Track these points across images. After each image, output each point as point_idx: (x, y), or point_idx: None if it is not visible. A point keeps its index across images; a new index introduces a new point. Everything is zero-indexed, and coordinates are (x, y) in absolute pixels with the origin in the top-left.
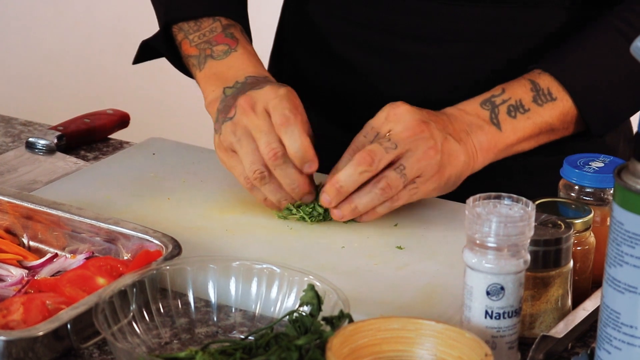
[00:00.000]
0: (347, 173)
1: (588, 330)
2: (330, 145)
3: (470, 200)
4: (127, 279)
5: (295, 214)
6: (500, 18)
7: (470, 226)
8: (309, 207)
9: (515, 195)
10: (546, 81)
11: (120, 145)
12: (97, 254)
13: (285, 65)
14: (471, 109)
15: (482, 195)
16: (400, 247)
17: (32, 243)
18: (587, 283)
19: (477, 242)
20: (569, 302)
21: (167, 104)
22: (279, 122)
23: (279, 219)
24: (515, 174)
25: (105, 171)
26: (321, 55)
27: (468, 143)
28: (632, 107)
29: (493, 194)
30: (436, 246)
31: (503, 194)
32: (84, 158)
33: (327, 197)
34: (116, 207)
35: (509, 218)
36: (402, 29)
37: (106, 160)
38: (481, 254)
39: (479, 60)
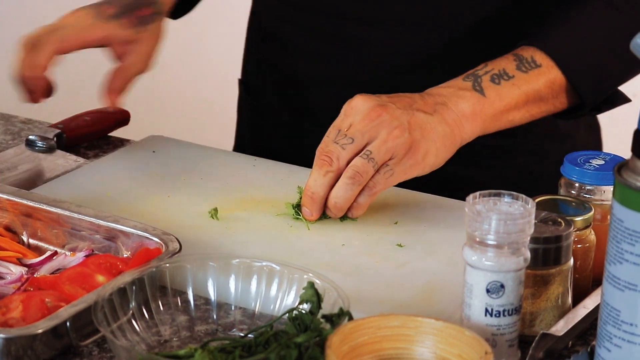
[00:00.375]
0: (313, 178)
1: (588, 328)
2: (291, 132)
3: (470, 197)
4: (126, 277)
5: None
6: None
7: (470, 224)
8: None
9: (515, 193)
10: (529, 51)
11: (121, 143)
12: (97, 252)
13: (257, 49)
14: (452, 83)
15: (482, 192)
16: (400, 245)
17: (31, 241)
18: (588, 281)
19: (477, 239)
20: (569, 300)
21: (168, 102)
22: None
23: (277, 216)
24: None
25: (106, 169)
26: (276, 41)
27: (445, 112)
28: (621, 73)
29: (493, 191)
30: (437, 244)
31: (503, 191)
32: (84, 156)
33: (306, 210)
34: (116, 204)
35: (509, 215)
36: (345, 12)
37: (106, 158)
38: (481, 251)
39: (423, 42)
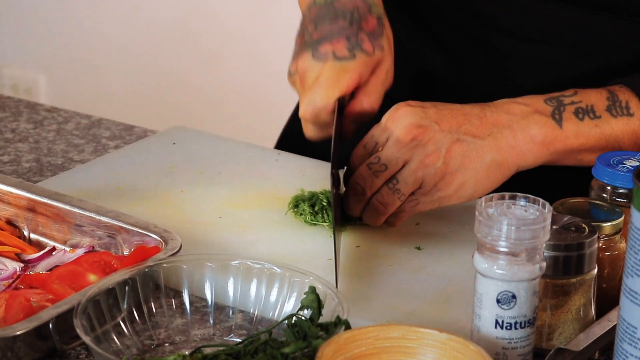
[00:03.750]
0: (350, 202)
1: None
2: None
3: (482, 200)
4: (116, 277)
5: (316, 221)
6: (597, 26)
7: (480, 228)
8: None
9: (531, 196)
10: (626, 95)
11: (144, 134)
12: (98, 249)
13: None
14: (529, 101)
15: (496, 194)
16: (419, 248)
17: (33, 235)
18: (617, 291)
19: (488, 245)
20: (592, 312)
21: (219, 96)
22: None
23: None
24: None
25: (121, 161)
26: (419, 33)
27: (501, 137)
28: None
29: (508, 193)
30: (458, 248)
31: (518, 194)
32: (105, 147)
33: None
34: (125, 199)
35: (522, 220)
36: (499, 22)
37: (123, 149)
38: (492, 259)
39: (562, 65)
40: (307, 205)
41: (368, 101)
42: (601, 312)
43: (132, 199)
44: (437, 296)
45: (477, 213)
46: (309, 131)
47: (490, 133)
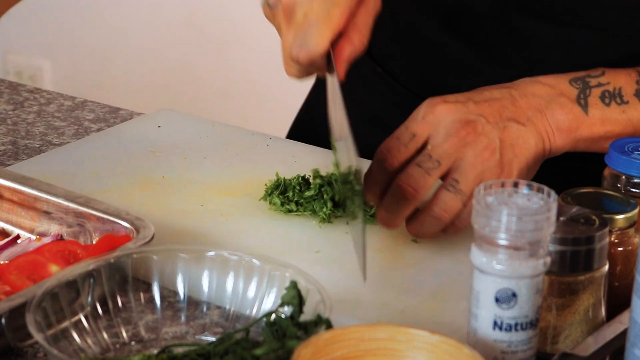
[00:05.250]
0: (388, 207)
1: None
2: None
3: (480, 187)
4: (78, 268)
5: (300, 211)
6: (628, 5)
7: (478, 219)
8: (318, 203)
9: (535, 183)
10: None
11: (130, 116)
12: (68, 237)
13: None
14: (555, 82)
15: (496, 181)
16: (415, 241)
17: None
18: (629, 290)
19: (486, 238)
20: (603, 312)
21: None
22: None
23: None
24: None
25: (100, 144)
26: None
27: (539, 122)
28: None
29: (509, 180)
30: (458, 241)
31: (521, 180)
32: (87, 130)
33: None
34: (101, 184)
35: (524, 210)
36: (524, 2)
37: (104, 132)
38: (491, 253)
39: (596, 50)
40: (277, 196)
41: (359, 38)
42: (612, 313)
43: (109, 185)
44: (433, 293)
45: (474, 201)
46: (294, 70)
47: (528, 118)
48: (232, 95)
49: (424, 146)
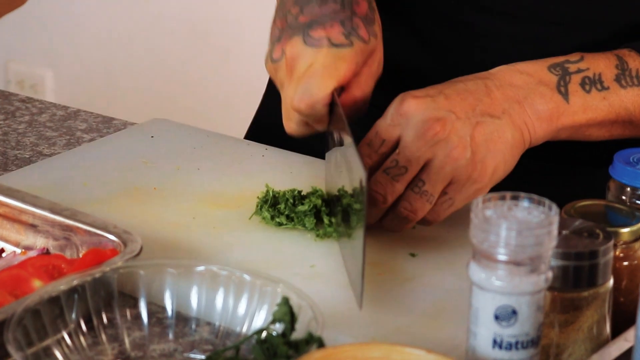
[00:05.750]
0: (367, 212)
1: None
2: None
3: (479, 200)
4: (62, 284)
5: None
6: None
7: (476, 233)
8: (308, 217)
9: (536, 196)
10: (636, 62)
11: (124, 126)
12: (54, 251)
13: None
14: (533, 70)
15: (495, 194)
16: (413, 255)
17: None
18: (635, 306)
19: (485, 253)
20: (607, 329)
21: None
22: None
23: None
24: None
25: (91, 155)
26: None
27: (515, 114)
28: None
29: (509, 193)
30: (457, 255)
31: (521, 193)
32: (80, 140)
33: None
34: (90, 196)
35: (524, 224)
36: (494, 5)
37: (95, 142)
38: (490, 268)
39: (556, 44)
40: (266, 210)
41: (361, 94)
42: (617, 330)
43: (98, 196)
44: (431, 310)
45: (472, 215)
46: (294, 125)
47: (504, 110)
48: (235, 106)
49: (396, 147)
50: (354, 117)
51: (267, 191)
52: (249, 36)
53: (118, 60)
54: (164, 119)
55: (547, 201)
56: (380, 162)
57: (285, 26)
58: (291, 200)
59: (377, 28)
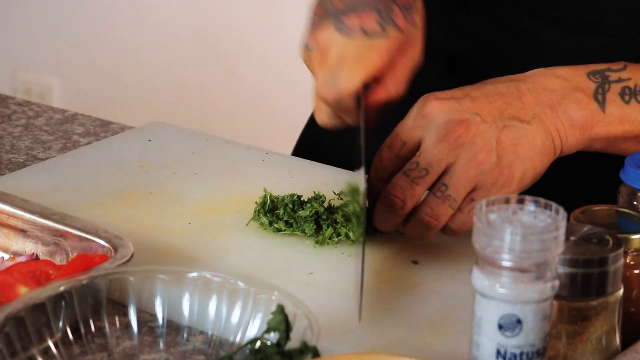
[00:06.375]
0: (382, 217)
1: None
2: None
3: (482, 203)
4: (47, 290)
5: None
6: None
7: (479, 237)
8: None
9: (543, 200)
10: None
11: (122, 130)
12: (43, 257)
13: None
14: (571, 75)
15: (500, 197)
16: (415, 262)
17: None
18: None
19: (488, 259)
20: (617, 341)
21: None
22: None
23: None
24: None
25: (87, 159)
26: (442, 18)
27: (547, 119)
28: None
29: (514, 196)
30: (461, 262)
31: (527, 197)
32: (76, 144)
33: None
34: (84, 200)
35: (529, 228)
36: (533, 6)
37: (92, 146)
38: (493, 275)
39: (612, 56)
40: (264, 216)
41: (395, 87)
42: (627, 341)
43: (92, 201)
44: (433, 319)
45: (475, 219)
46: (324, 116)
47: (535, 115)
48: (240, 112)
49: (417, 150)
50: (389, 109)
51: (265, 196)
52: (255, 43)
53: (125, 67)
54: (162, 122)
55: (554, 205)
56: (401, 165)
57: (323, 12)
58: (290, 206)
59: (418, 16)
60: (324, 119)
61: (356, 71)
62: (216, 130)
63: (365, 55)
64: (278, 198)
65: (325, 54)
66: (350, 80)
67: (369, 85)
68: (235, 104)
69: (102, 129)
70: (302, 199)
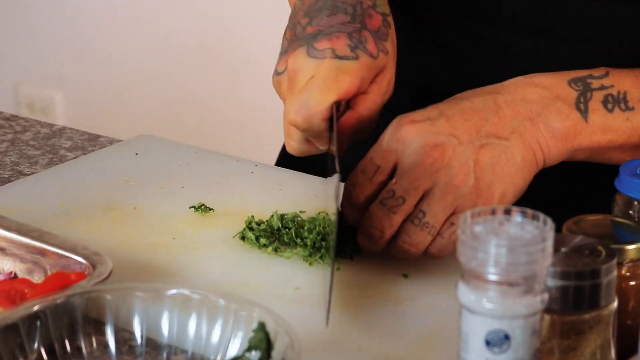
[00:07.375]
0: (366, 246)
1: None
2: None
3: (467, 215)
4: (20, 310)
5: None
6: (620, 17)
7: (464, 250)
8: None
9: (530, 210)
10: None
11: (110, 143)
12: (22, 275)
13: None
14: (551, 84)
15: (485, 208)
16: (405, 275)
17: None
18: None
19: (474, 273)
20: (612, 355)
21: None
22: None
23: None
24: None
25: (71, 174)
26: (412, 30)
27: (527, 132)
28: None
29: (501, 207)
30: (453, 275)
31: (514, 207)
32: (63, 158)
33: None
34: (67, 216)
35: (515, 240)
36: (504, 13)
37: (77, 160)
38: (480, 289)
39: (585, 62)
40: (251, 234)
41: (367, 112)
42: (623, 355)
43: (75, 217)
44: (422, 335)
45: (459, 231)
46: (295, 142)
47: (513, 129)
48: (243, 126)
49: (392, 175)
50: (359, 137)
51: (250, 221)
52: (257, 55)
53: (128, 81)
54: (150, 135)
55: (541, 215)
56: (376, 191)
57: (294, 38)
58: (279, 223)
59: (390, 45)
60: (294, 145)
61: (327, 91)
62: (208, 142)
63: (335, 76)
64: (262, 222)
65: (295, 77)
66: (320, 101)
67: (339, 109)
68: (239, 117)
69: (90, 142)
70: (284, 216)
